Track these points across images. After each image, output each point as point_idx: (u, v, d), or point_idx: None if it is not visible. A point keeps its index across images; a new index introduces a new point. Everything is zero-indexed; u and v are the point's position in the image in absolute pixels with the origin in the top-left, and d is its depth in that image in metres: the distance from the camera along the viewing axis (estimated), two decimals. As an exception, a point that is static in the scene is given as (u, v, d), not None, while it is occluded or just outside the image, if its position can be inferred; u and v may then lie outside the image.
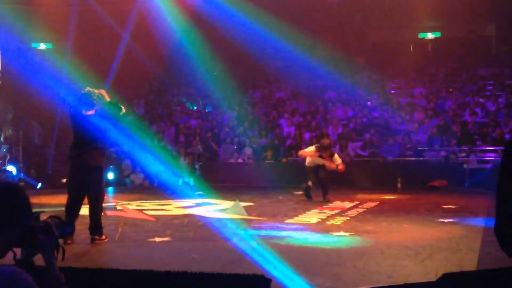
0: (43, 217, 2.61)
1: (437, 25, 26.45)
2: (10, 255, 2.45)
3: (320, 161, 11.97)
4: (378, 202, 11.58)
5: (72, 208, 7.03)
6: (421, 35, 27.22)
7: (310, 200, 11.91)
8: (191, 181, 17.52)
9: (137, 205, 11.36)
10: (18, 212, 2.37)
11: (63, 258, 2.60)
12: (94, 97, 7.11)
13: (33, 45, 27.22)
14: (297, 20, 22.58)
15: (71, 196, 7.11)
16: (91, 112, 7.10)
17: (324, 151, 11.91)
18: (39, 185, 17.24)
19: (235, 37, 22.16)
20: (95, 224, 7.02)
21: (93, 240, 6.94)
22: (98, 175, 7.15)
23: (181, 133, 21.05)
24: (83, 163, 7.07)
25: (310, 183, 11.97)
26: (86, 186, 7.05)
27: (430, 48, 27.02)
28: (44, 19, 24.61)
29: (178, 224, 8.73)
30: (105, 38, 25.73)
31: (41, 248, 2.50)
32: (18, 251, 2.51)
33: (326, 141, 12.39)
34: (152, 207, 11.07)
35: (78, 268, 4.85)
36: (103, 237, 7.04)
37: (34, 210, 2.48)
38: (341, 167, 11.95)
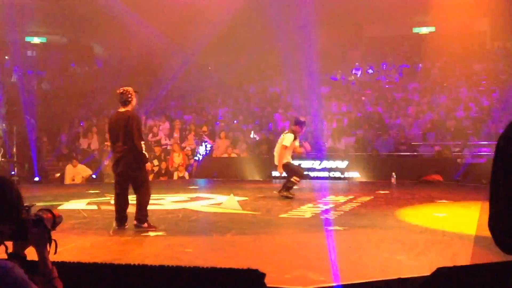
0: (34, 210, 2.59)
1: (431, 20, 26.47)
2: (1, 248, 2.43)
3: (298, 148, 11.40)
4: (373, 197, 11.59)
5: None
6: (415, 30, 27.23)
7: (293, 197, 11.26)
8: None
9: (131, 200, 11.30)
10: (10, 206, 2.35)
11: (55, 252, 2.58)
12: (129, 95, 7.79)
13: (27, 39, 27.12)
14: (293, 14, 22.57)
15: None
16: (126, 109, 7.77)
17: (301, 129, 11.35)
18: (36, 178, 17.55)
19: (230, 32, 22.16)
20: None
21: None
22: (135, 171, 7.69)
23: (176, 127, 21.03)
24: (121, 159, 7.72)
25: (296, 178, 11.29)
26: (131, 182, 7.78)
27: (424, 43, 27.08)
28: (38, 13, 24.51)
29: (172, 219, 8.72)
30: (99, 32, 25.69)
31: (33, 242, 2.49)
32: (9, 244, 2.49)
33: (302, 118, 11.62)
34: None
35: (71, 262, 4.83)
36: (145, 224, 7.61)
37: (25, 204, 2.46)
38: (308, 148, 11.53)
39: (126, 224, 7.71)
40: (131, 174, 7.68)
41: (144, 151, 7.63)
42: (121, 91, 7.83)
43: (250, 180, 16.09)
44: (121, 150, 7.64)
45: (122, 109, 7.78)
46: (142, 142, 7.65)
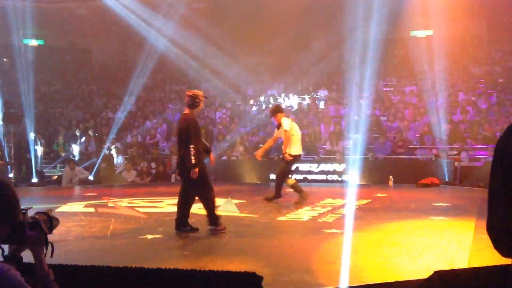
0: (31, 213, 2.59)
1: (429, 23, 26.47)
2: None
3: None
4: (370, 200, 11.58)
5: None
6: (413, 33, 27.24)
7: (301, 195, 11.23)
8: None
9: (128, 202, 11.32)
10: (6, 209, 2.34)
11: (52, 255, 2.57)
12: (197, 99, 7.66)
13: (25, 41, 27.09)
14: (290, 17, 22.59)
15: None
16: (189, 111, 7.68)
17: (272, 116, 11.07)
18: (35, 180, 17.58)
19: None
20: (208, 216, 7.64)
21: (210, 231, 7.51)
22: (182, 174, 7.73)
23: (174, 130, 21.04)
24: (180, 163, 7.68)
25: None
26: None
27: (422, 46, 27.06)
28: (36, 16, 24.48)
29: (170, 221, 8.67)
30: (96, 35, 25.64)
31: (29, 245, 2.48)
32: (6, 247, 2.49)
33: (273, 106, 11.33)
34: (144, 204, 11.04)
35: (68, 265, 4.82)
36: (220, 227, 7.50)
37: (22, 207, 2.46)
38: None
39: (188, 227, 7.62)
40: (181, 178, 7.81)
41: (193, 156, 7.34)
42: (191, 94, 7.74)
43: (247, 183, 16.06)
44: (178, 152, 7.78)
45: (186, 111, 7.75)
46: (191, 146, 7.35)
